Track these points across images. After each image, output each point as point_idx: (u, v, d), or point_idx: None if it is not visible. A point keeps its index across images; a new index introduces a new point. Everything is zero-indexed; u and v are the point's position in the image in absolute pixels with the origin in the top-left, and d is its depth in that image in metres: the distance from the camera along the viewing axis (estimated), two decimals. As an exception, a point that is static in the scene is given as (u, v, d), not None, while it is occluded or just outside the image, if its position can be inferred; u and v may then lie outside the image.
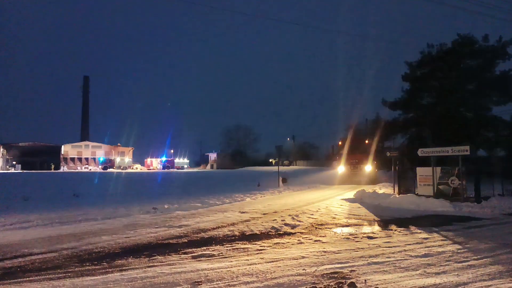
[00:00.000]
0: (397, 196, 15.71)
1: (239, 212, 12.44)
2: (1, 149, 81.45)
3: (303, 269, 5.45)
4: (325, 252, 6.63)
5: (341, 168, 29.11)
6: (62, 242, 7.59)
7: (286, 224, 9.76)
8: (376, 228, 9.34)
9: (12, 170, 71.65)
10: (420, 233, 8.63)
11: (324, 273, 5.25)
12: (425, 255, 6.38)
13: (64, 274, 5.38)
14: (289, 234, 8.49)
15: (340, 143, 30.96)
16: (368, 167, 27.88)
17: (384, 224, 9.99)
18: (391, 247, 7.11)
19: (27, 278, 5.20)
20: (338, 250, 6.76)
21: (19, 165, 76.24)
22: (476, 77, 29.24)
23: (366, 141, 30.65)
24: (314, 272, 5.32)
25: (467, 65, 30.44)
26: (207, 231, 8.89)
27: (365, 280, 4.92)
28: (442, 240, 7.84)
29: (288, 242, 7.52)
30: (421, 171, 16.24)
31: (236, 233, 8.61)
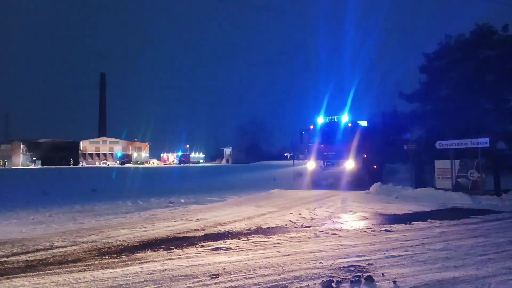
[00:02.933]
0: (415, 189, 15.53)
1: (255, 206, 12.47)
2: (22, 146, 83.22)
3: (320, 262, 5.45)
4: (341, 245, 6.60)
5: (311, 164, 19.93)
6: (82, 236, 7.74)
7: (302, 218, 9.76)
8: (393, 221, 9.25)
9: (33, 166, 73.18)
10: (438, 226, 8.53)
11: (341, 267, 5.23)
12: (444, 249, 6.30)
13: (84, 267, 5.49)
14: (306, 227, 8.48)
15: (312, 126, 20.41)
16: (351, 163, 18.48)
17: (402, 217, 9.90)
18: (408, 240, 7.04)
19: (49, 271, 5.32)
20: (355, 244, 6.73)
21: (39, 161, 77.77)
22: (496, 68, 28.57)
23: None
24: (330, 265, 5.31)
25: (486, 56, 29.76)
26: (223, 225, 8.95)
27: (383, 274, 4.89)
28: (460, 233, 7.73)
29: (305, 236, 7.52)
30: (439, 164, 16.00)
31: (252, 226, 8.64)
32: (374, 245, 6.65)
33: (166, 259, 5.84)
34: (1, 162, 71.52)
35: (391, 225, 8.62)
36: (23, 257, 6.15)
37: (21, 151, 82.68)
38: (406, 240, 7.02)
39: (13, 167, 67.75)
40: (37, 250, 6.61)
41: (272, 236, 7.54)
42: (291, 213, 10.58)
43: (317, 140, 19.65)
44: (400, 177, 23.56)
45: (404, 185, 16.67)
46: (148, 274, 5.03)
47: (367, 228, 8.27)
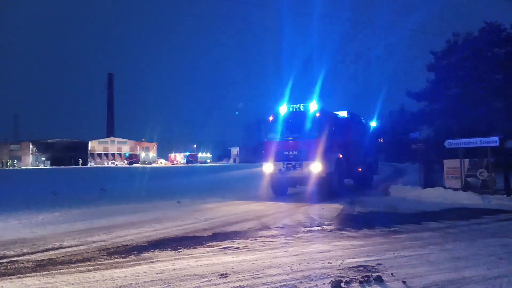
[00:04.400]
0: (424, 189, 15.42)
1: (263, 206, 12.47)
2: (31, 146, 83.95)
3: (329, 262, 5.43)
4: (350, 245, 6.58)
5: (268, 167, 14.77)
6: (91, 235, 7.79)
7: (310, 218, 9.74)
8: (402, 221, 9.19)
9: (42, 166, 73.79)
10: (448, 226, 8.47)
11: (349, 266, 5.21)
12: (454, 249, 6.25)
13: (94, 267, 5.53)
14: (314, 227, 8.47)
15: (271, 118, 15.21)
16: (317, 166, 13.64)
17: (411, 217, 9.83)
18: (418, 240, 7.00)
19: (58, 270, 5.37)
20: (364, 244, 6.71)
21: (48, 161, 78.39)
22: (505, 66, 28.26)
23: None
24: (339, 265, 5.30)
25: (494, 54, 29.46)
26: (231, 224, 8.96)
27: (392, 274, 4.87)
28: (470, 233, 7.67)
29: (313, 236, 7.50)
30: (448, 163, 15.87)
31: (261, 226, 8.64)
32: (383, 245, 6.62)
33: (175, 259, 5.86)
34: (11, 162, 72.24)
35: (401, 225, 8.56)
36: (33, 257, 6.21)
37: (30, 152, 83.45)
38: (416, 240, 6.98)
39: (22, 167, 68.42)
40: (47, 250, 6.67)
41: (280, 235, 7.52)
42: (299, 213, 10.51)
43: (277, 135, 14.67)
44: (408, 177, 23.44)
45: (412, 185, 16.57)
46: (157, 274, 5.05)
47: (376, 228, 8.23)
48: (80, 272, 5.24)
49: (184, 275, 4.98)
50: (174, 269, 5.29)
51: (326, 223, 9.02)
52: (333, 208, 11.44)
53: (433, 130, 32.38)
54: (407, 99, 33.42)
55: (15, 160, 75.28)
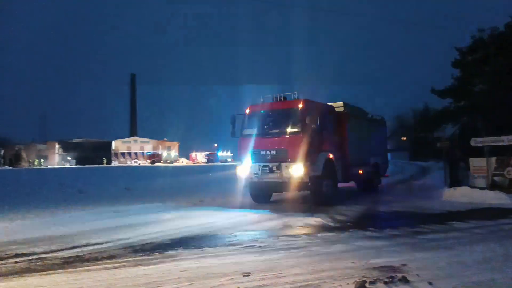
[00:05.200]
0: (449, 188, 15.10)
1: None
2: (57, 146, 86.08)
3: (352, 262, 5.38)
4: (374, 246, 6.50)
5: (242, 170, 12.11)
6: (117, 233, 7.95)
7: (332, 218, 9.65)
8: (428, 221, 9.01)
9: (68, 165, 75.57)
10: (474, 226, 8.26)
11: (374, 267, 5.15)
12: (481, 250, 6.10)
13: (119, 264, 5.64)
14: (336, 228, 8.39)
15: (247, 110, 12.75)
16: (298, 168, 11.01)
17: (437, 217, 9.63)
18: (444, 240, 6.86)
19: (85, 267, 5.50)
20: (389, 244, 6.61)
21: (74, 160, 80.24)
22: (533, 61, 27.36)
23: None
24: (363, 265, 5.24)
25: (522, 49, 28.55)
26: (254, 223, 8.98)
27: (418, 275, 4.78)
28: (498, 234, 7.46)
29: (336, 236, 7.44)
30: (474, 161, 15.48)
31: (282, 226, 8.63)
32: (408, 245, 6.51)
33: (199, 257, 5.91)
34: (38, 162, 74.29)
35: (426, 226, 8.40)
36: (61, 254, 6.38)
37: (56, 151, 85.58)
38: (442, 240, 6.84)
39: (49, 166, 70.24)
40: (74, 247, 6.84)
41: (302, 235, 7.50)
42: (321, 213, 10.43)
43: (254, 130, 12.08)
44: (432, 176, 23.01)
45: (437, 184, 16.24)
46: (182, 271, 5.11)
47: (401, 228, 8.09)
48: (106, 269, 5.35)
49: (208, 273, 5.02)
50: (198, 267, 5.34)
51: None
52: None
53: (458, 127, 31.64)
54: (431, 96, 32.76)
55: (42, 160, 77.37)
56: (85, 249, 6.69)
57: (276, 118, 12.09)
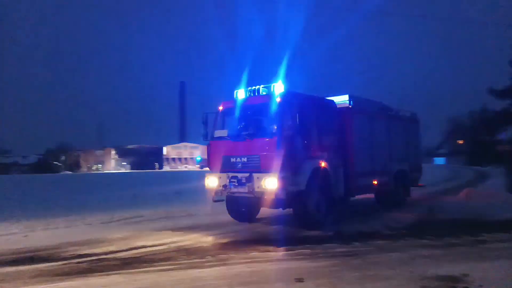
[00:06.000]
0: (511, 194, 14.17)
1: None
2: (113, 152, 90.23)
3: (411, 271, 5.17)
4: (433, 254, 6.20)
5: (211, 181, 9.40)
6: (170, 236, 8.15)
7: (386, 225, 9.33)
8: (489, 230, 8.47)
9: (122, 170, 78.92)
10: (543, 236, 7.68)
11: (433, 276, 4.92)
12: (553, 261, 5.65)
13: (174, 266, 5.78)
14: (392, 235, 8.09)
15: (220, 107, 9.95)
16: (272, 181, 8.13)
17: (498, 225, 9.05)
18: (508, 249, 6.44)
19: (143, 269, 5.68)
20: (448, 253, 6.29)
21: (128, 165, 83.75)
22: None
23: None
24: (422, 274, 5.01)
25: None
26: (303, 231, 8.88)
27: (481, 285, 4.51)
28: None
29: (391, 243, 7.18)
30: (540, 166, 14.45)
31: (331, 233, 8.41)
32: (469, 255, 6.16)
33: (250, 262, 5.93)
34: (95, 167, 78.28)
35: (487, 234, 7.91)
36: (118, 255, 6.64)
37: (112, 157, 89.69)
38: (505, 250, 6.42)
39: (105, 171, 73.72)
40: (131, 249, 7.09)
41: (354, 242, 7.31)
42: (376, 219, 10.14)
43: (224, 132, 9.70)
44: (492, 182, 21.64)
45: (496, 190, 15.30)
46: (235, 275, 5.15)
47: (460, 237, 7.67)
48: (162, 271, 5.51)
49: (262, 277, 5.02)
50: (251, 271, 5.36)
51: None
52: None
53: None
54: (489, 97, 30.94)
55: (99, 165, 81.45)
56: (141, 250, 6.92)
57: (250, 116, 9.47)
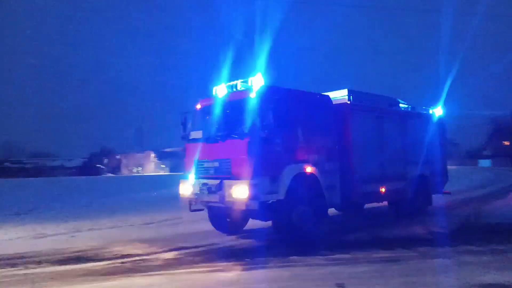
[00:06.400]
0: None
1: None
2: (152, 154, 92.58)
3: (456, 279, 4.98)
4: (479, 261, 5.94)
5: (185, 188, 8.53)
6: (208, 238, 8.28)
7: (428, 230, 9.03)
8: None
9: (162, 172, 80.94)
10: None
11: (480, 284, 4.71)
12: None
13: (213, 268, 5.87)
14: (437, 242, 7.79)
15: (198, 106, 8.98)
16: (243, 190, 7.03)
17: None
18: None
19: (183, 270, 5.82)
20: (495, 260, 6.01)
21: (167, 168, 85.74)
22: None
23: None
24: (469, 281, 4.81)
25: None
26: (339, 235, 8.76)
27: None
28: None
29: (437, 251, 6.93)
30: None
31: (370, 238, 8.25)
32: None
33: (288, 265, 5.92)
34: (136, 169, 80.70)
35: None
36: (161, 256, 6.84)
37: (151, 159, 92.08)
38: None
39: (145, 174, 75.83)
40: (171, 250, 7.28)
41: (398, 248, 7.10)
42: (415, 226, 9.82)
43: (200, 133, 8.69)
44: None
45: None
46: (272, 280, 5.14)
47: (507, 243, 7.29)
48: (201, 272, 5.66)
49: (302, 280, 5.01)
50: (294, 274, 5.35)
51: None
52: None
53: None
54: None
55: (140, 167, 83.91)
56: (182, 251, 7.09)
57: (225, 115, 8.39)
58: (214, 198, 7.62)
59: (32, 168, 79.77)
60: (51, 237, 9.04)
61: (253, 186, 6.94)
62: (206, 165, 8.13)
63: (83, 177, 55.89)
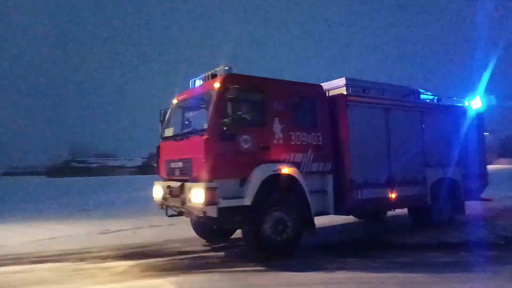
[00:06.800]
0: None
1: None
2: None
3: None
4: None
5: (156, 190, 7.65)
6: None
7: (497, 234, 8.48)
8: None
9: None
10: None
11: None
12: None
13: (265, 268, 5.87)
14: (503, 246, 7.37)
15: (174, 101, 8.11)
16: (200, 195, 6.01)
17: None
18: None
19: (240, 268, 5.94)
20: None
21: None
22: None
23: None
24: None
25: None
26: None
27: None
28: None
29: (504, 254, 6.56)
30: None
31: (430, 241, 7.87)
32: None
33: (341, 266, 5.88)
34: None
35: None
36: (219, 253, 7.02)
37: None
38: None
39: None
40: (228, 247, 7.47)
41: (451, 248, 6.81)
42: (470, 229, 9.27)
43: (171, 131, 7.73)
44: None
45: None
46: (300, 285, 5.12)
47: None
48: (255, 272, 5.71)
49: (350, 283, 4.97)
50: (347, 277, 5.31)
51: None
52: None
53: None
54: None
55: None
56: (239, 250, 7.18)
57: (192, 110, 7.88)
58: (177, 202, 6.85)
59: (96, 167, 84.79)
60: (116, 233, 9.56)
61: (210, 190, 5.96)
62: (172, 165, 7.33)
63: (143, 176, 58.21)
